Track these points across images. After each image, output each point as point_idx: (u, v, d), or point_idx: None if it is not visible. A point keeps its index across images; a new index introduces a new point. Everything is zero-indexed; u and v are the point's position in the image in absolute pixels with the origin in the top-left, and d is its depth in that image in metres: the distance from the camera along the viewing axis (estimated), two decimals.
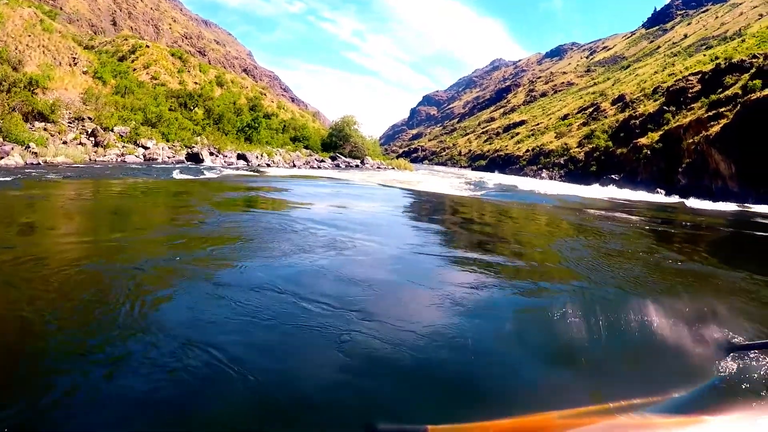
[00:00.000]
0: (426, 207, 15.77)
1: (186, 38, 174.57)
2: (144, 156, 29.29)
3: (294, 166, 41.74)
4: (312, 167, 43.32)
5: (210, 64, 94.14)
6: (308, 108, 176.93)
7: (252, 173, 25.23)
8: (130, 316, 3.99)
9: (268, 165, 37.55)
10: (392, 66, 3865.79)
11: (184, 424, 2.73)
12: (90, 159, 25.12)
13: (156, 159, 29.41)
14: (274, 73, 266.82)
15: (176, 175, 18.49)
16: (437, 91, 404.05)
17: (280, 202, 12.16)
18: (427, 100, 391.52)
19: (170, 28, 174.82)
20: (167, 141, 34.90)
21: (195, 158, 31.71)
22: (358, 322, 4.19)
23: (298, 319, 4.20)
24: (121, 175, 17.88)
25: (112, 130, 30.89)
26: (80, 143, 27.16)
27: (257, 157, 39.06)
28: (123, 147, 29.38)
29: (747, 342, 3.97)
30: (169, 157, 30.86)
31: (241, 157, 36.89)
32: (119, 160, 26.76)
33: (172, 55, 60.95)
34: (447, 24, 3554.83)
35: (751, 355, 3.69)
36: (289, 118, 67.09)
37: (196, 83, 55.35)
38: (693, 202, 31.36)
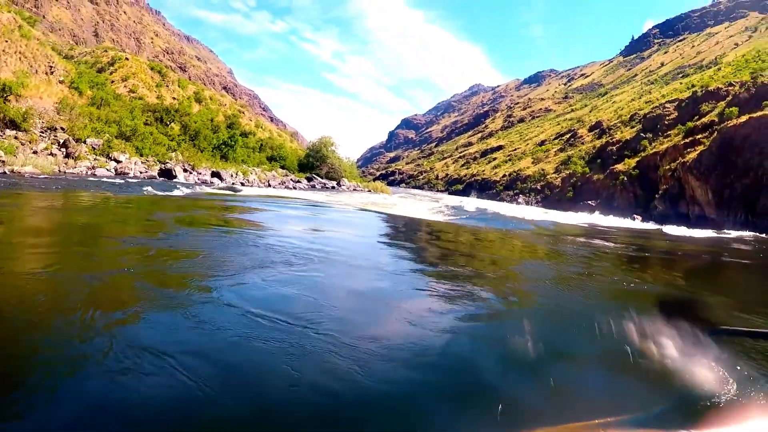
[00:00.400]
0: (402, 233, 15.17)
1: (167, 53, 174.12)
2: (116, 170, 28.93)
3: (269, 185, 41.54)
4: (287, 187, 43.13)
5: (190, 80, 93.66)
6: (287, 128, 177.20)
7: (224, 192, 24.66)
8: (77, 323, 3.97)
9: (243, 184, 37.28)
10: (372, 88, 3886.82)
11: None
12: (59, 170, 24.80)
13: (128, 173, 29.07)
14: (254, 92, 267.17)
15: (145, 190, 18.05)
16: (416, 115, 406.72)
17: (246, 226, 11.82)
18: (406, 123, 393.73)
19: (152, 42, 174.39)
20: (141, 155, 34.53)
21: (168, 174, 31.41)
22: (314, 339, 4.15)
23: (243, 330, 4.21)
24: (87, 189, 17.56)
25: (84, 142, 30.54)
26: (51, 153, 26.84)
27: (232, 176, 38.80)
28: (95, 159, 29.05)
29: (728, 327, 4.23)
30: (141, 172, 30.53)
31: (215, 174, 36.62)
32: (89, 172, 26.41)
33: (152, 69, 60.55)
34: (427, 48, 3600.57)
35: (727, 367, 3.77)
36: (266, 137, 66.91)
37: (174, 98, 54.98)
38: (670, 229, 31.57)
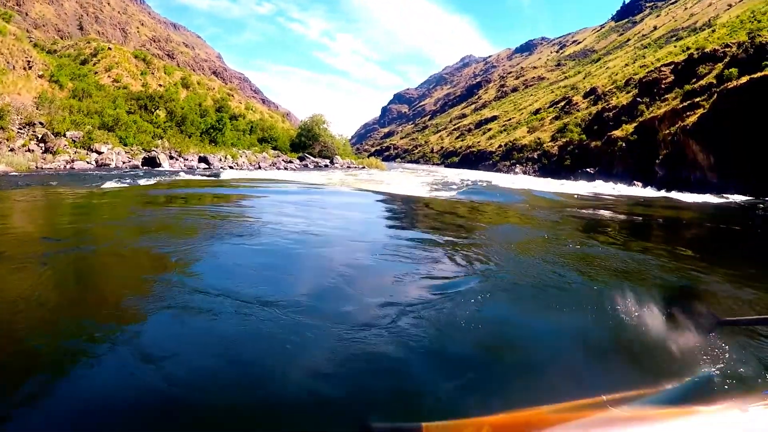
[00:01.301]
0: (398, 218, 13.16)
1: (154, 42, 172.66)
2: (96, 162, 28.04)
3: (259, 167, 40.78)
4: (278, 168, 42.36)
5: (179, 67, 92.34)
6: (279, 109, 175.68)
7: (207, 177, 23.28)
8: None
9: (231, 167, 36.48)
10: (362, 65, 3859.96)
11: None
12: (36, 167, 23.86)
13: (109, 164, 28.15)
14: (244, 75, 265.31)
15: (108, 184, 16.04)
16: (408, 89, 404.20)
17: (212, 218, 10.72)
18: (398, 98, 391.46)
19: (138, 31, 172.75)
20: (125, 145, 33.68)
21: (151, 162, 30.50)
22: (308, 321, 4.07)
23: None
24: (46, 185, 16.21)
25: (64, 135, 29.59)
26: (29, 150, 25.94)
27: (220, 160, 38.00)
28: (75, 153, 28.15)
29: (734, 318, 4.04)
30: (124, 162, 29.65)
31: (202, 159, 35.78)
32: (68, 167, 25.50)
33: (136, 57, 59.53)
34: (416, 22, 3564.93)
35: (741, 343, 3.77)
36: (257, 119, 66.07)
37: (160, 85, 54.08)
38: (675, 195, 30.43)
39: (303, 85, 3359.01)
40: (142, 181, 18.02)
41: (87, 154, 28.82)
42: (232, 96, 72.04)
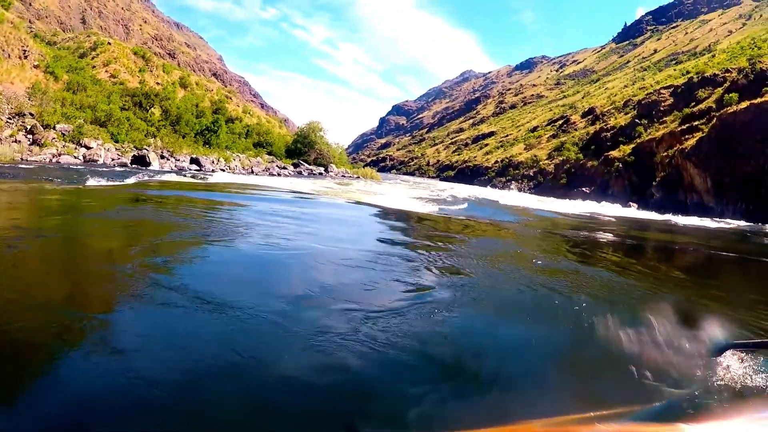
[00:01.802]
0: (389, 232, 12.22)
1: (156, 40, 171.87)
2: (84, 157, 27.36)
3: (252, 172, 40.19)
4: (272, 174, 41.75)
5: (179, 66, 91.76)
6: (278, 114, 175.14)
7: (195, 180, 22.01)
8: None
9: (223, 170, 35.86)
10: (363, 75, 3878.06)
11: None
12: (21, 158, 23.22)
13: (97, 161, 27.46)
14: (244, 79, 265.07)
15: (91, 182, 15.01)
16: (407, 101, 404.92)
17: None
18: (397, 109, 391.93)
19: (140, 29, 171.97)
20: (116, 142, 33.06)
21: (141, 161, 29.78)
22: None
23: None
24: (22, 178, 15.59)
25: (53, 128, 28.94)
26: (16, 140, 25.29)
27: (213, 162, 37.35)
28: (64, 146, 27.46)
29: (739, 341, 3.94)
30: (113, 159, 28.94)
31: (194, 161, 35.10)
32: (54, 160, 24.84)
33: (135, 53, 58.92)
34: (418, 34, 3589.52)
35: (730, 362, 3.66)
36: (254, 123, 65.41)
37: (158, 83, 53.46)
38: (674, 218, 29.98)
39: (303, 92, 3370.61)
40: (128, 180, 17.21)
41: (76, 148, 28.13)
42: (230, 99, 71.51)
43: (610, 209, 36.81)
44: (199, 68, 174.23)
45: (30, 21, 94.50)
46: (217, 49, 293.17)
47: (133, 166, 28.72)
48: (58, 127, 29.30)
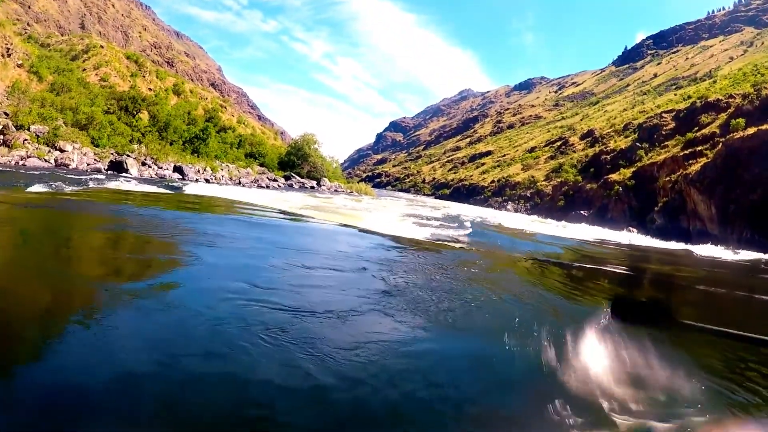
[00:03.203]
0: (374, 270, 8.31)
1: (155, 47, 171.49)
2: (56, 161, 25.73)
3: (239, 183, 38.65)
4: (260, 186, 40.16)
5: (177, 74, 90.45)
6: (275, 126, 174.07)
7: (164, 191, 19.75)
8: None
9: (208, 180, 34.36)
10: (361, 90, 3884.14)
11: None
12: None
13: (68, 165, 25.79)
14: (242, 90, 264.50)
15: (36, 187, 13.11)
16: (404, 118, 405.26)
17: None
18: (394, 126, 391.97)
19: (140, 36, 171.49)
20: (97, 146, 31.52)
21: (118, 167, 28.16)
22: None
23: None
24: None
25: (27, 129, 27.39)
26: None
27: (198, 171, 35.79)
28: (37, 148, 25.90)
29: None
30: (88, 164, 27.26)
31: (177, 169, 33.49)
32: (21, 163, 23.24)
33: (128, 58, 57.47)
34: (417, 52, 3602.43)
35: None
36: (248, 134, 64.02)
37: (150, 89, 52.02)
38: (702, 249, 27.33)
39: (301, 105, 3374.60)
40: (82, 187, 15.34)
41: (49, 151, 26.55)
42: (225, 108, 70.17)
43: (617, 235, 35.22)
44: (197, 77, 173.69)
45: (28, 24, 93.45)
46: (216, 59, 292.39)
47: (109, 172, 27.10)
48: (32, 128, 27.72)
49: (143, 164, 31.67)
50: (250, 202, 19.23)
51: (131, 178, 25.34)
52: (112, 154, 31.23)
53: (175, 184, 25.21)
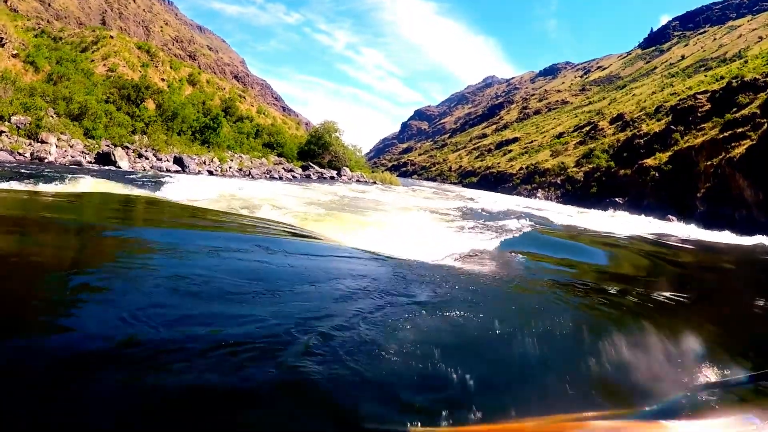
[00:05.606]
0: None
1: (177, 42, 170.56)
2: (32, 154, 23.01)
3: (249, 175, 35.77)
4: (272, 178, 37.07)
5: (200, 68, 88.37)
6: (299, 117, 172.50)
7: (132, 191, 14.26)
8: None
9: (211, 173, 31.62)
10: (385, 79, 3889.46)
11: None
12: None
13: (45, 158, 22.98)
14: (266, 82, 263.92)
15: None
16: (429, 106, 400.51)
17: None
18: (419, 114, 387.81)
19: (161, 30, 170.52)
20: (92, 138, 29.00)
21: (105, 160, 25.43)
22: None
23: None
24: None
25: (8, 120, 24.86)
26: None
27: (203, 163, 33.05)
28: (15, 141, 23.33)
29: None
30: (72, 157, 24.58)
31: (177, 161, 30.62)
32: None
33: (139, 48, 55.12)
34: (440, 40, 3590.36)
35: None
36: (268, 124, 61.37)
37: (163, 79, 49.68)
38: None
39: (325, 96, 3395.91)
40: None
41: (29, 144, 23.93)
42: (244, 98, 67.82)
43: (668, 226, 31.23)
44: (220, 70, 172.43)
45: (48, 21, 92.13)
46: (240, 52, 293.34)
47: (94, 166, 24.25)
48: (13, 119, 25.09)
49: (139, 156, 29.00)
50: (240, 211, 13.01)
51: (113, 171, 22.44)
52: (107, 146, 28.58)
53: (163, 179, 20.91)
